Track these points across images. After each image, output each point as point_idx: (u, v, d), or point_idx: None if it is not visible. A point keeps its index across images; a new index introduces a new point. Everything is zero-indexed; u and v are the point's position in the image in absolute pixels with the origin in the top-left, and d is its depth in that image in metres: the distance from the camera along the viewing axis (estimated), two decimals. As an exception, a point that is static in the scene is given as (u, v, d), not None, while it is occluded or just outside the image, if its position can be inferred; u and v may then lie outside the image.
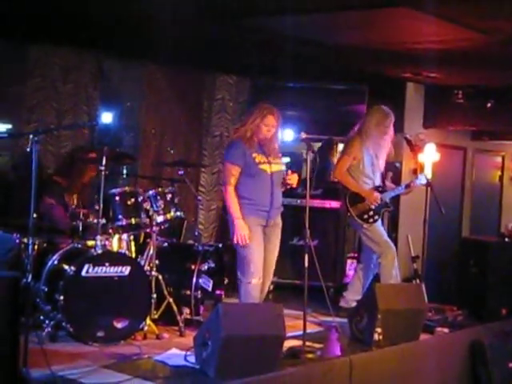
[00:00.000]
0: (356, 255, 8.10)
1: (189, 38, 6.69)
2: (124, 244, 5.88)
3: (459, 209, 10.18)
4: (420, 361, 5.84)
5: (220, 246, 6.46)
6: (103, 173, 5.47)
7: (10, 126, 7.48)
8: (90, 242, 5.60)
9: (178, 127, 8.45)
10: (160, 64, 8.09)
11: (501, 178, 11.15)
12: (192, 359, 4.79)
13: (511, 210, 11.03)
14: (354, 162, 6.62)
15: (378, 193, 6.65)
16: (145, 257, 5.95)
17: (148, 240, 6.07)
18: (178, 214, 6.06)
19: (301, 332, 5.28)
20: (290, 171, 5.66)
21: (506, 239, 8.01)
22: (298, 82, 8.53)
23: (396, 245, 7.01)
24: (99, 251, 5.38)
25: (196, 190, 8.10)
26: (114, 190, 5.80)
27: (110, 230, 5.76)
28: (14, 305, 4.08)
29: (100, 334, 5.18)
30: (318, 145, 8.31)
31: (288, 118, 7.81)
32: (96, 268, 5.24)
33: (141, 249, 6.16)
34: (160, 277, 5.77)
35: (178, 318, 5.74)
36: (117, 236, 5.83)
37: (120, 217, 5.74)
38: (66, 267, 5.28)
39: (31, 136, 4.46)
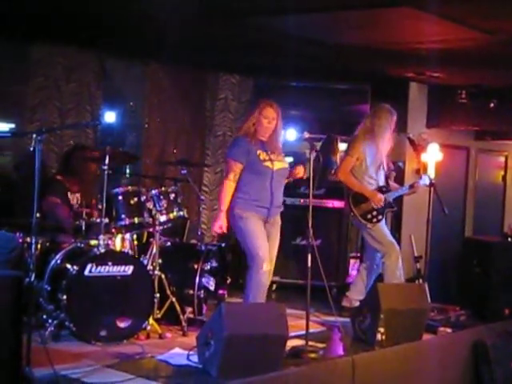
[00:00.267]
0: (359, 255, 8.10)
1: (191, 37, 6.70)
2: (127, 243, 5.88)
3: (462, 209, 10.17)
4: (423, 361, 5.83)
5: (223, 245, 6.46)
6: (106, 172, 5.48)
7: (12, 126, 7.49)
8: (93, 242, 5.60)
9: (181, 127, 8.45)
10: (163, 63, 8.10)
11: (504, 177, 11.13)
12: (195, 359, 4.79)
13: (514, 210, 11.03)
14: (357, 163, 6.62)
15: (382, 193, 6.65)
16: (148, 256, 5.94)
17: (151, 239, 6.06)
18: (181, 213, 6.05)
19: (303, 332, 5.27)
20: (294, 165, 5.73)
21: (509, 239, 8.02)
22: (301, 81, 8.54)
23: (399, 245, 7.00)
24: (102, 250, 5.38)
25: (199, 189, 8.10)
26: (116, 190, 5.80)
27: (113, 230, 5.77)
28: (17, 304, 4.07)
29: (103, 333, 5.18)
30: (319, 144, 8.31)
31: (291, 117, 7.83)
32: (99, 267, 5.24)
33: (144, 248, 6.16)
34: (163, 276, 5.77)
35: (181, 317, 5.73)
36: (120, 235, 5.82)
37: (123, 216, 5.74)
38: (69, 267, 5.28)
39: (34, 135, 4.46)
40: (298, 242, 7.75)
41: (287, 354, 4.94)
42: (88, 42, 7.10)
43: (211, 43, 7.05)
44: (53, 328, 5.15)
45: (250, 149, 5.54)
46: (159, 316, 5.70)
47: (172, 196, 6.00)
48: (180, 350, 5.09)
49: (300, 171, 5.68)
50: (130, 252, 5.82)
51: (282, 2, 5.49)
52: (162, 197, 5.93)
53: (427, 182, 6.75)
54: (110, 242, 5.63)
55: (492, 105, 8.64)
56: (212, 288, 6.08)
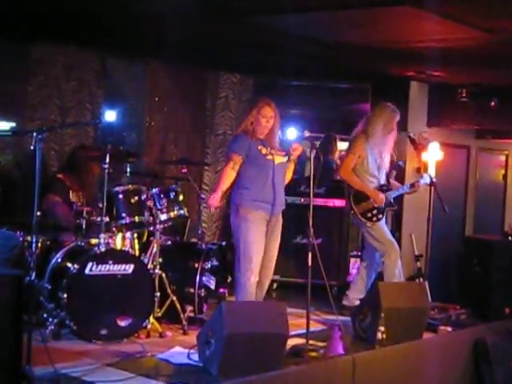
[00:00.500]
0: (359, 254, 8.10)
1: (192, 36, 6.69)
2: (127, 242, 5.88)
3: (463, 207, 10.17)
4: (423, 359, 5.84)
5: (223, 244, 6.47)
6: (107, 171, 5.48)
7: (13, 124, 7.48)
8: (94, 240, 5.60)
9: (182, 125, 8.45)
10: (163, 62, 8.09)
11: (504, 176, 11.13)
12: (195, 357, 4.80)
13: (515, 208, 11.03)
14: (358, 161, 6.61)
15: (383, 192, 6.65)
16: (148, 255, 5.94)
17: (151, 238, 6.06)
18: (182, 212, 6.05)
19: (304, 330, 5.28)
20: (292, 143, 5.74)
21: (510, 238, 8.01)
22: (302, 80, 8.54)
23: (399, 243, 7.01)
24: (103, 249, 5.38)
25: (199, 188, 8.10)
26: (117, 188, 5.79)
27: (114, 228, 5.76)
28: (18, 303, 4.07)
29: (103, 332, 5.18)
30: (318, 143, 8.31)
31: (291, 116, 7.83)
32: (99, 266, 5.25)
33: (144, 247, 6.16)
34: (163, 275, 5.78)
35: (182, 316, 5.74)
36: (120, 234, 5.83)
37: (123, 215, 5.74)
38: (70, 265, 5.28)
39: (35, 134, 4.46)
40: (298, 241, 7.76)
41: (287, 352, 4.95)
42: (88, 41, 7.10)
43: (211, 42, 7.05)
44: (53, 327, 5.16)
45: (251, 144, 5.58)
46: (160, 315, 5.70)
47: (172, 195, 6.00)
48: (180, 349, 5.10)
49: (297, 148, 5.65)
50: (131, 251, 5.81)
51: (282, 1, 5.48)
52: (162, 195, 5.93)
53: (428, 181, 6.75)
54: (110, 240, 5.63)
55: (492, 103, 8.64)
56: (212, 287, 6.08)
